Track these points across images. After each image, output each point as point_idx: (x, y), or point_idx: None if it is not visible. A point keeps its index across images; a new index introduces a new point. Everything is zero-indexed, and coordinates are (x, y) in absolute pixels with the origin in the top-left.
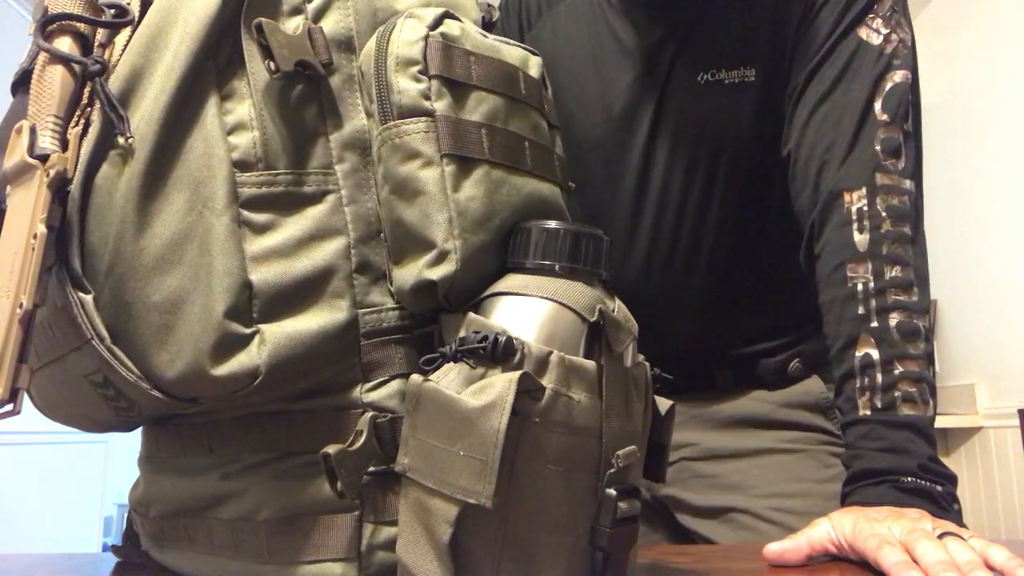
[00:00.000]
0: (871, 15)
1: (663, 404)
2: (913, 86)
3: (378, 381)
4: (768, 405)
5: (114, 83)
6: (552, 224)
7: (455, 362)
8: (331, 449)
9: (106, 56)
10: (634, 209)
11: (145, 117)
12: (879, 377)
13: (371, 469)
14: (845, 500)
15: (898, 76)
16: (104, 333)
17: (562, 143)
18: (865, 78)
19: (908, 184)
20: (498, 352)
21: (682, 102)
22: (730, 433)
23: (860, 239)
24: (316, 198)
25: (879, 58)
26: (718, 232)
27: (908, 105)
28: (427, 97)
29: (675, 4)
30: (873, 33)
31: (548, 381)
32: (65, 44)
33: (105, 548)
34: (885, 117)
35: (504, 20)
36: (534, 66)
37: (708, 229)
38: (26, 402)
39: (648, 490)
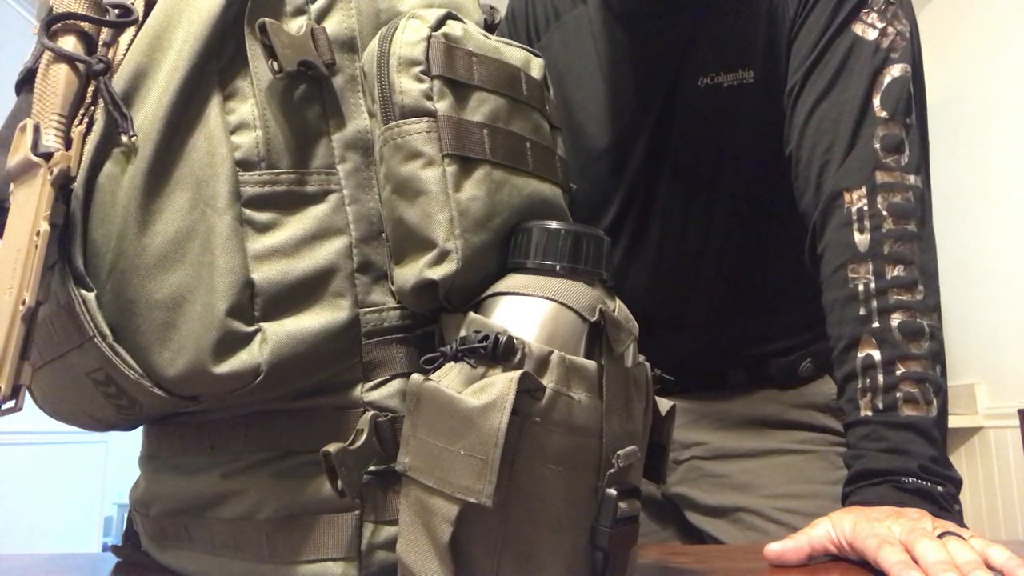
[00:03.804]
0: (865, 10)
1: (664, 404)
2: (915, 78)
3: (379, 380)
4: (779, 405)
5: (118, 82)
6: (553, 224)
7: (456, 361)
8: (332, 448)
9: (110, 55)
10: (641, 215)
11: (148, 116)
12: (880, 378)
13: (371, 468)
14: (846, 500)
15: (896, 70)
16: (106, 331)
17: (571, 153)
18: (862, 74)
19: (912, 180)
20: (499, 352)
21: (684, 107)
22: (740, 433)
23: (861, 239)
24: (318, 197)
25: (875, 53)
26: (726, 234)
27: (909, 99)
28: (429, 97)
29: (675, 11)
30: (868, 28)
31: (548, 381)
32: (69, 43)
33: (105, 548)
34: (884, 114)
35: (512, 30)
36: (536, 67)
37: (715, 232)
38: (27, 401)
39: (658, 488)
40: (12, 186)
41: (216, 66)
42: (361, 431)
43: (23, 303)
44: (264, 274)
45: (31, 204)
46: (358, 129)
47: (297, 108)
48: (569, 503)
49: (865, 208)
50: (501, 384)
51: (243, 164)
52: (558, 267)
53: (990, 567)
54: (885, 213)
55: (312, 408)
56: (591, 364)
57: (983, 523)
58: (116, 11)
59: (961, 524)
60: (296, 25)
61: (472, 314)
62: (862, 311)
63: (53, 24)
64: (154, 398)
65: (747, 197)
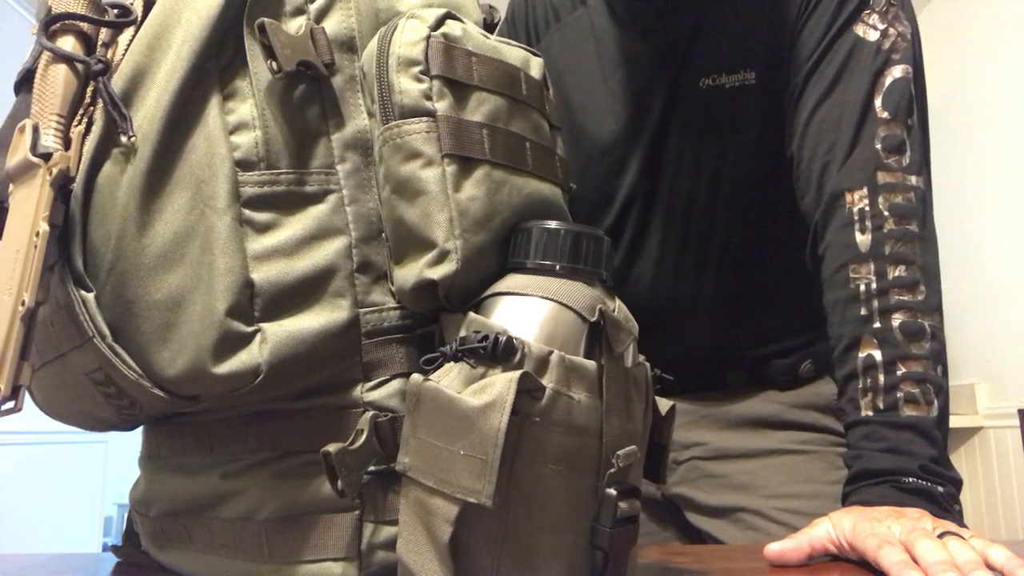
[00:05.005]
0: (866, 11)
1: (664, 405)
2: (915, 79)
3: (379, 380)
4: (779, 406)
5: (117, 82)
6: (553, 224)
7: (456, 362)
8: (332, 448)
9: (109, 55)
10: (642, 216)
11: (148, 116)
12: (881, 378)
13: (371, 468)
14: (846, 500)
15: (897, 71)
16: (105, 331)
17: (572, 154)
18: (863, 75)
19: (913, 180)
20: (498, 352)
21: (685, 108)
22: (740, 433)
23: (862, 239)
24: (318, 197)
25: (877, 54)
26: (727, 234)
27: (910, 100)
28: (428, 97)
29: (677, 12)
30: (870, 29)
31: (548, 381)
32: (68, 43)
33: (105, 548)
34: (886, 114)
35: (511, 32)
36: (535, 67)
37: (716, 232)
38: (27, 401)
39: (659, 488)
40: (11, 186)
41: (215, 66)
42: (361, 431)
43: (22, 303)
44: (264, 274)
45: (30, 204)
46: (357, 129)
47: (296, 108)
48: (569, 503)
49: (866, 208)
50: (501, 384)
51: (242, 164)
52: (558, 267)
53: (990, 567)
54: (886, 213)
55: (312, 408)
56: (591, 364)
57: (983, 523)
58: (115, 11)
59: (961, 524)
60: (295, 25)
61: (472, 314)
62: (863, 311)
63: (52, 24)
64: (154, 398)
65: (748, 198)
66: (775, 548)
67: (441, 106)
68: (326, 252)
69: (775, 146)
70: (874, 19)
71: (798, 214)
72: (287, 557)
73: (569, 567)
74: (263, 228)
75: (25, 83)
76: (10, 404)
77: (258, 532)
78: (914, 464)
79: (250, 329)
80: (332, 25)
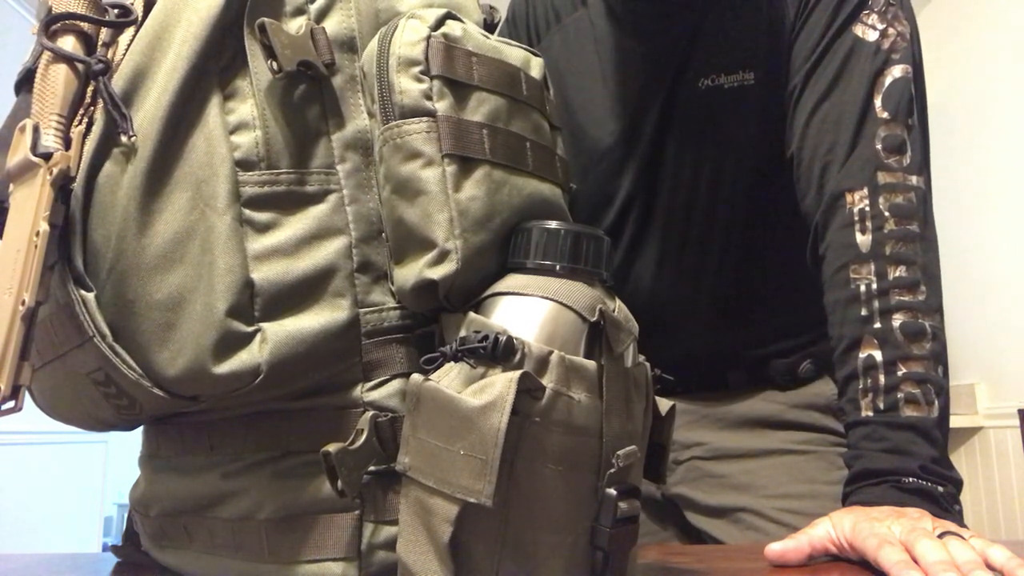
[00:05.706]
0: (865, 11)
1: (664, 405)
2: (915, 79)
3: (379, 380)
4: (779, 406)
5: (117, 82)
6: (553, 224)
7: (456, 361)
8: (332, 448)
9: (109, 55)
10: (642, 217)
11: (148, 116)
12: (882, 378)
13: (372, 468)
14: (846, 500)
15: (897, 71)
16: (106, 331)
17: (572, 155)
18: (863, 76)
19: (914, 180)
20: (498, 351)
21: (685, 108)
22: (740, 433)
23: (863, 240)
24: (318, 197)
25: (876, 54)
26: (726, 235)
27: (910, 99)
28: (428, 97)
29: (677, 13)
30: (869, 29)
31: (548, 381)
32: (69, 43)
33: (105, 548)
34: (886, 114)
35: (512, 32)
36: (536, 67)
37: (716, 232)
38: (27, 401)
39: (659, 488)
40: (12, 186)
41: (216, 66)
42: (361, 431)
43: (23, 303)
44: (264, 274)
45: (31, 204)
46: (358, 129)
47: (297, 108)
48: (569, 503)
49: (867, 209)
50: (501, 384)
51: (243, 164)
52: (558, 267)
53: (990, 567)
54: (887, 214)
55: (312, 408)
56: (591, 364)
57: (983, 523)
58: (115, 11)
59: (961, 524)
60: (296, 25)
61: (472, 314)
62: (864, 312)
63: (52, 24)
64: (154, 398)
65: (748, 199)
66: (775, 548)
67: (441, 106)
68: (326, 252)
69: (775, 146)
70: (873, 19)
71: (798, 214)
72: (287, 557)
73: (569, 567)
74: (263, 228)
75: (25, 83)
76: (10, 404)
77: (258, 532)
78: (914, 464)
79: (250, 329)
80: (332, 25)
